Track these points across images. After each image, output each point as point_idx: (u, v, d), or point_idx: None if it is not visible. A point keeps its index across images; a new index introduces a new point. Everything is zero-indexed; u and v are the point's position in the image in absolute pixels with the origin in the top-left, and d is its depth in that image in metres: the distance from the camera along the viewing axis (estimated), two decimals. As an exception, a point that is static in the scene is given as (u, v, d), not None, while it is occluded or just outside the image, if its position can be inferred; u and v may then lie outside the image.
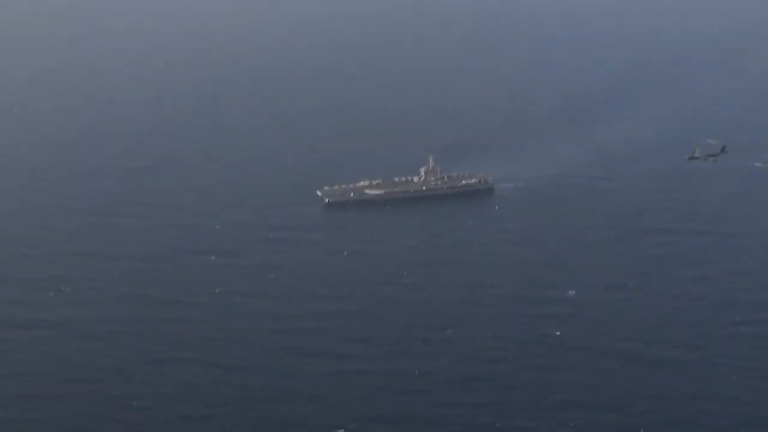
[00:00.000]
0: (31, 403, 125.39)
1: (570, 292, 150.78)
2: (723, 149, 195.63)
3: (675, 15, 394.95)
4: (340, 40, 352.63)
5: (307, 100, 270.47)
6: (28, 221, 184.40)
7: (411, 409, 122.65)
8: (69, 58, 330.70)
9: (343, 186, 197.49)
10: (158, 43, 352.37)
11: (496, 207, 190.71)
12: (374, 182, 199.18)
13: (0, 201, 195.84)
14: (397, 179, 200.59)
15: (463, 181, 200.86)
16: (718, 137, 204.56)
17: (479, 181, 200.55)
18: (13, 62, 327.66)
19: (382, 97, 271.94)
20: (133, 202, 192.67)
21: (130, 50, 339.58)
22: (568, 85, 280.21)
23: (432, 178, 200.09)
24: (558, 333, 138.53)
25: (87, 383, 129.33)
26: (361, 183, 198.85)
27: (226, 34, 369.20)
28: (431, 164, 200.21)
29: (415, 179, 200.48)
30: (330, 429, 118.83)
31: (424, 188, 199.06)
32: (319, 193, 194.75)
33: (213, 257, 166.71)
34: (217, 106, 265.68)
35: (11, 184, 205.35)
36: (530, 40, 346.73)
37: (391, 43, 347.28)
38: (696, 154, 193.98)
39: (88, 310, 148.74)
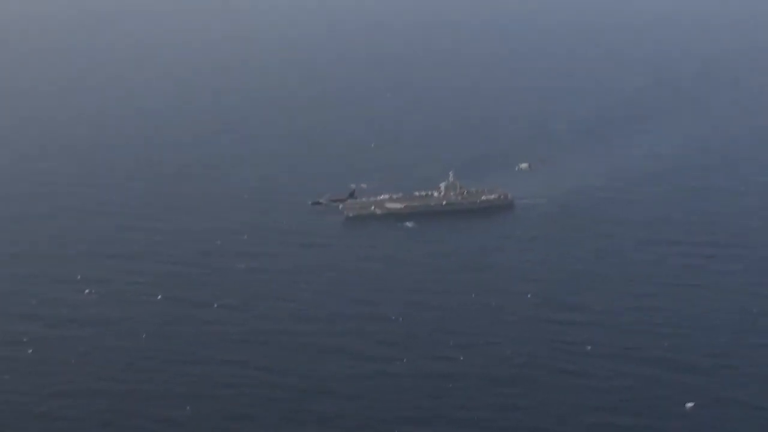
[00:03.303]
0: (70, 399, 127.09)
1: (595, 300, 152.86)
2: (351, 194, 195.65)
3: (696, 32, 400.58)
4: (361, 55, 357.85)
5: (329, 113, 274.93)
6: (61, 224, 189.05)
7: (444, 411, 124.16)
8: (97, 67, 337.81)
9: (363, 199, 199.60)
10: (182, 54, 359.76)
11: (518, 221, 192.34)
12: (395, 196, 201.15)
13: (33, 204, 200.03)
14: (417, 193, 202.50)
15: (483, 197, 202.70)
16: (376, 177, 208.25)
17: (499, 196, 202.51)
18: (40, 70, 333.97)
19: (403, 112, 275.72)
20: (161, 207, 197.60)
21: (155, 60, 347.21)
22: (587, 101, 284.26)
23: (452, 193, 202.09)
24: (586, 341, 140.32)
25: (125, 382, 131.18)
26: (382, 197, 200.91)
27: (248, 46, 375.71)
28: (451, 179, 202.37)
29: (435, 194, 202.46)
30: (367, 427, 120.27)
31: (444, 203, 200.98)
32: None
33: (241, 262, 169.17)
34: (239, 117, 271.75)
35: (44, 188, 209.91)
36: (550, 57, 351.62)
37: (414, 58, 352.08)
38: (321, 199, 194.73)
39: (124, 310, 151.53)
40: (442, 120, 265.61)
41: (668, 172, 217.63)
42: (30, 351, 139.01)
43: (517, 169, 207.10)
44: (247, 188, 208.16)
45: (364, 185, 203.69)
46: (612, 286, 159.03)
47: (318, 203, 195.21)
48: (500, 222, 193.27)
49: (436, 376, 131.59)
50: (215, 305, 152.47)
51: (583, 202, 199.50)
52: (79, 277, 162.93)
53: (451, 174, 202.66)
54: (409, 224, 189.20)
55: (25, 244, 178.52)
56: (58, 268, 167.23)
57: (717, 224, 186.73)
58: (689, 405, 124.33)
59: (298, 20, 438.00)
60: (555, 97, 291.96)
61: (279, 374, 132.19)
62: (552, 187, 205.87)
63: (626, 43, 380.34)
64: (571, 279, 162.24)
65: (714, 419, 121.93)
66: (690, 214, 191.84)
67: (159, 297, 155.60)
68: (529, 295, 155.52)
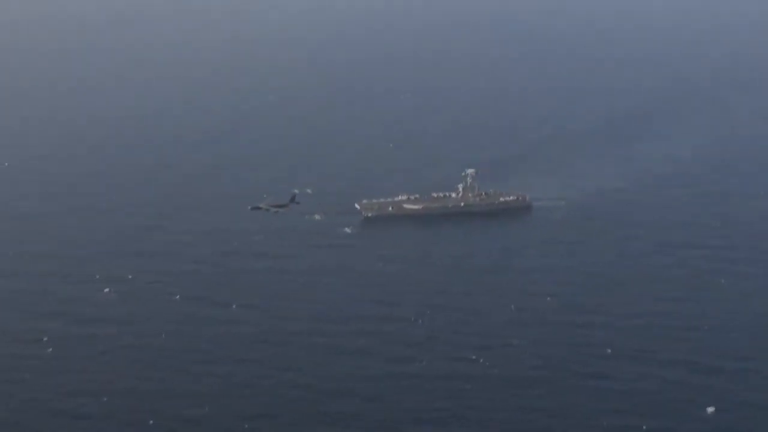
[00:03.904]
0: (89, 397, 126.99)
1: (614, 303, 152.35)
2: (292, 199, 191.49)
3: (714, 34, 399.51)
4: (379, 56, 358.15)
5: (347, 114, 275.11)
6: (79, 223, 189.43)
7: (462, 413, 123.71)
8: (111, 68, 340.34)
9: (381, 200, 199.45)
10: (197, 55, 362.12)
11: (536, 224, 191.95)
12: (412, 197, 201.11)
13: (51, 203, 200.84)
14: (435, 195, 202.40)
15: (501, 198, 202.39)
16: (314, 184, 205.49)
17: (517, 198, 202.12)
18: (56, 71, 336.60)
19: (422, 113, 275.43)
20: (179, 206, 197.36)
21: (169, 60, 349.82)
22: (605, 103, 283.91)
23: (470, 195, 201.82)
24: (606, 343, 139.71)
25: (144, 381, 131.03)
26: (400, 197, 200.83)
27: (263, 46, 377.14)
28: (469, 181, 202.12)
29: (453, 195, 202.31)
30: (388, 427, 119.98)
31: (462, 204, 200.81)
32: (357, 206, 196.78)
33: (260, 262, 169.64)
34: (256, 117, 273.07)
35: (61, 187, 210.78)
36: (567, 59, 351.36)
37: (432, 60, 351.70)
38: (261, 204, 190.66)
39: (143, 309, 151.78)
40: (459, 122, 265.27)
41: (686, 175, 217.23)
42: (49, 350, 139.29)
43: (464, 173, 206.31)
44: (265, 189, 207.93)
45: (309, 191, 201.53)
46: (632, 289, 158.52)
47: (258, 208, 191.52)
48: (518, 224, 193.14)
49: (455, 377, 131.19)
50: (234, 305, 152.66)
51: (601, 204, 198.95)
52: (97, 276, 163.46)
53: (469, 175, 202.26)
54: (347, 229, 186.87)
55: (43, 243, 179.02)
56: (76, 267, 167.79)
57: (735, 227, 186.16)
58: (710, 409, 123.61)
59: (315, 21, 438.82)
60: (572, 98, 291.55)
61: (297, 374, 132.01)
62: (570, 189, 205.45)
63: (644, 45, 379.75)
64: (591, 281, 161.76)
65: (736, 422, 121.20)
66: (708, 217, 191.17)
67: (177, 297, 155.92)
68: (548, 298, 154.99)
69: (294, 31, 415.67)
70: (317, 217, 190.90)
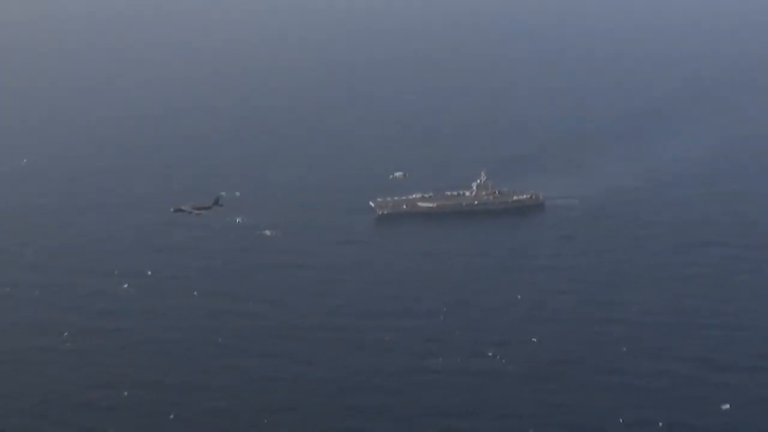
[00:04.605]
0: (108, 390, 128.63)
1: (630, 300, 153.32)
2: (216, 201, 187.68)
3: (729, 34, 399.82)
4: (395, 55, 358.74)
5: (362, 112, 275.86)
6: (97, 219, 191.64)
7: (481, 407, 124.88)
8: (129, 66, 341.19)
9: (395, 198, 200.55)
10: (212, 54, 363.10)
11: (550, 222, 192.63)
12: (426, 195, 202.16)
13: (69, 200, 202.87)
14: (449, 193, 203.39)
15: (515, 197, 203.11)
16: (240, 188, 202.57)
17: (530, 196, 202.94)
18: (77, 68, 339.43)
19: (436, 112, 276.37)
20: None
21: (185, 59, 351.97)
22: (620, 102, 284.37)
23: (483, 193, 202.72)
24: (622, 340, 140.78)
25: (164, 374, 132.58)
26: (414, 196, 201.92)
27: (276, 47, 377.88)
28: (483, 179, 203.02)
29: (467, 193, 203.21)
30: (407, 420, 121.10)
31: (475, 202, 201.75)
32: (372, 204, 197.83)
33: (277, 258, 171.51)
34: (274, 116, 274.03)
35: (80, 184, 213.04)
36: (581, 59, 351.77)
37: (447, 59, 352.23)
38: (184, 206, 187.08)
39: (162, 304, 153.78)
40: (474, 121, 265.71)
41: (699, 174, 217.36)
42: (68, 344, 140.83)
43: (391, 177, 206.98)
44: (282, 186, 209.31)
45: (237, 193, 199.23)
46: (646, 287, 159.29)
47: (180, 210, 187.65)
48: (532, 222, 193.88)
49: (473, 372, 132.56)
50: (252, 300, 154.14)
51: (615, 202, 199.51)
52: (116, 271, 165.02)
53: (482, 173, 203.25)
54: (268, 233, 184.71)
55: (63, 239, 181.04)
56: (95, 263, 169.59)
57: (749, 226, 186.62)
58: (725, 405, 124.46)
59: (316, 21, 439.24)
60: (584, 97, 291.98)
61: (316, 368, 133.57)
62: (583, 187, 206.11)
63: (657, 44, 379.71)
64: (606, 279, 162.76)
65: (750, 419, 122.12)
66: (722, 216, 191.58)
67: (195, 292, 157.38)
68: (563, 295, 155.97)
69: (295, 31, 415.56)
70: (238, 219, 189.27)
